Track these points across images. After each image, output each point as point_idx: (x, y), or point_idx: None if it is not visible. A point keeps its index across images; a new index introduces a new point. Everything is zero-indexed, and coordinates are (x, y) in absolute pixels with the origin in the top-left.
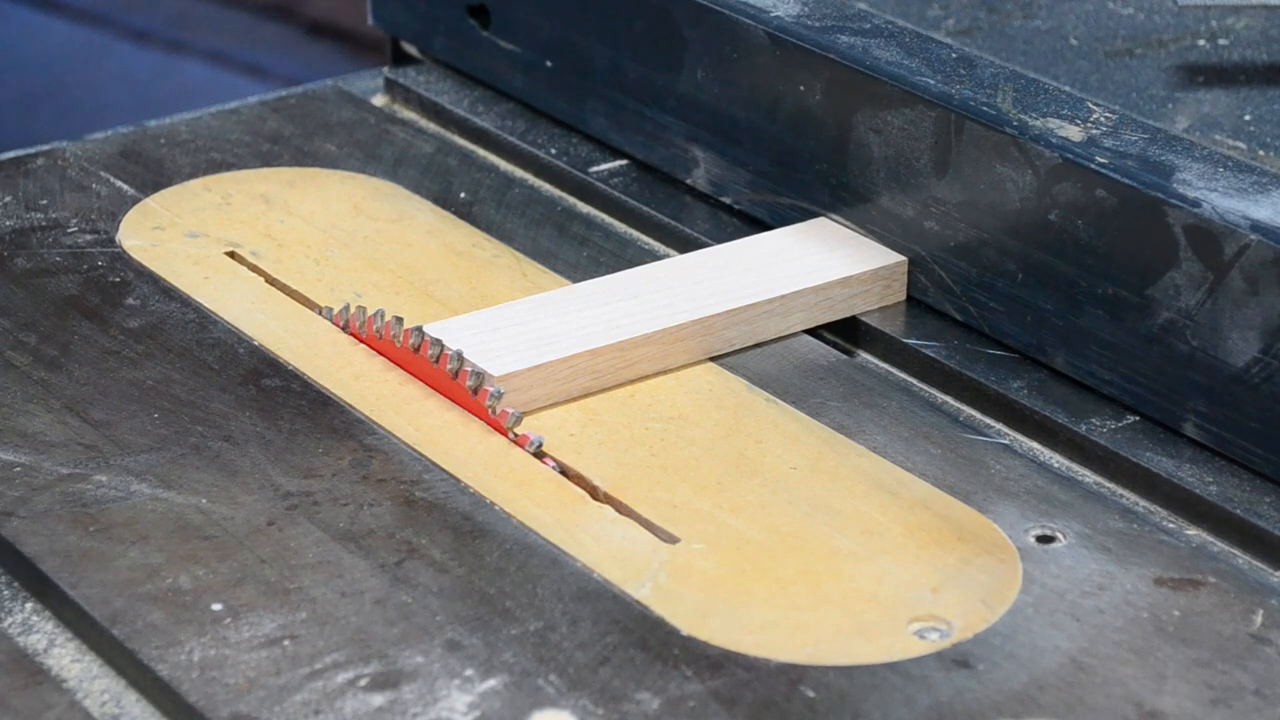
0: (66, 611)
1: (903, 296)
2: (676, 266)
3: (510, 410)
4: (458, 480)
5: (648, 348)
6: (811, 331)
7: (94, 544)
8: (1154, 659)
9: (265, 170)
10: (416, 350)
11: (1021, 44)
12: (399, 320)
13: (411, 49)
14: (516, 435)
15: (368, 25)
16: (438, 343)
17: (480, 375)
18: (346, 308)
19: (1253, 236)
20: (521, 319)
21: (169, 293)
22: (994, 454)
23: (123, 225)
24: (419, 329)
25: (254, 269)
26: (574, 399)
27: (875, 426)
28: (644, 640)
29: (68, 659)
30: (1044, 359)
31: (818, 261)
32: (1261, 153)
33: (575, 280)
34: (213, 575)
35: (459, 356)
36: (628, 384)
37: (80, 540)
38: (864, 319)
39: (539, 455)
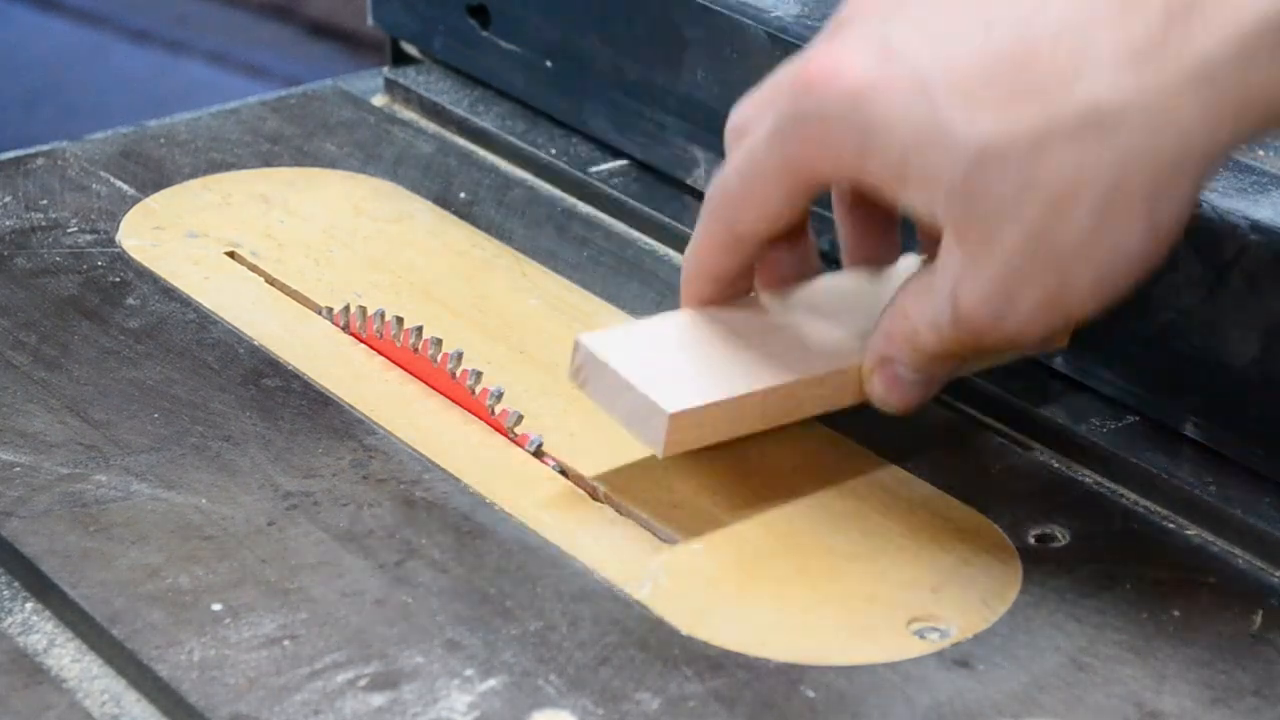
0: (66, 611)
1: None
2: (842, 284)
3: (510, 409)
4: (458, 480)
5: (820, 389)
6: None
7: (94, 544)
8: (1154, 659)
9: (265, 170)
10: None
11: None
12: (399, 320)
13: (411, 49)
14: (516, 435)
15: (368, 25)
16: (438, 342)
17: (479, 375)
18: (346, 308)
19: (1253, 236)
20: (685, 342)
21: (169, 293)
22: (994, 454)
23: (123, 225)
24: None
25: (254, 269)
26: (725, 442)
27: (876, 427)
28: (644, 640)
29: (68, 659)
30: (1044, 359)
31: None
32: (1261, 153)
33: (575, 280)
34: (213, 575)
35: (458, 356)
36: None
37: (80, 540)
38: None
39: (538, 455)
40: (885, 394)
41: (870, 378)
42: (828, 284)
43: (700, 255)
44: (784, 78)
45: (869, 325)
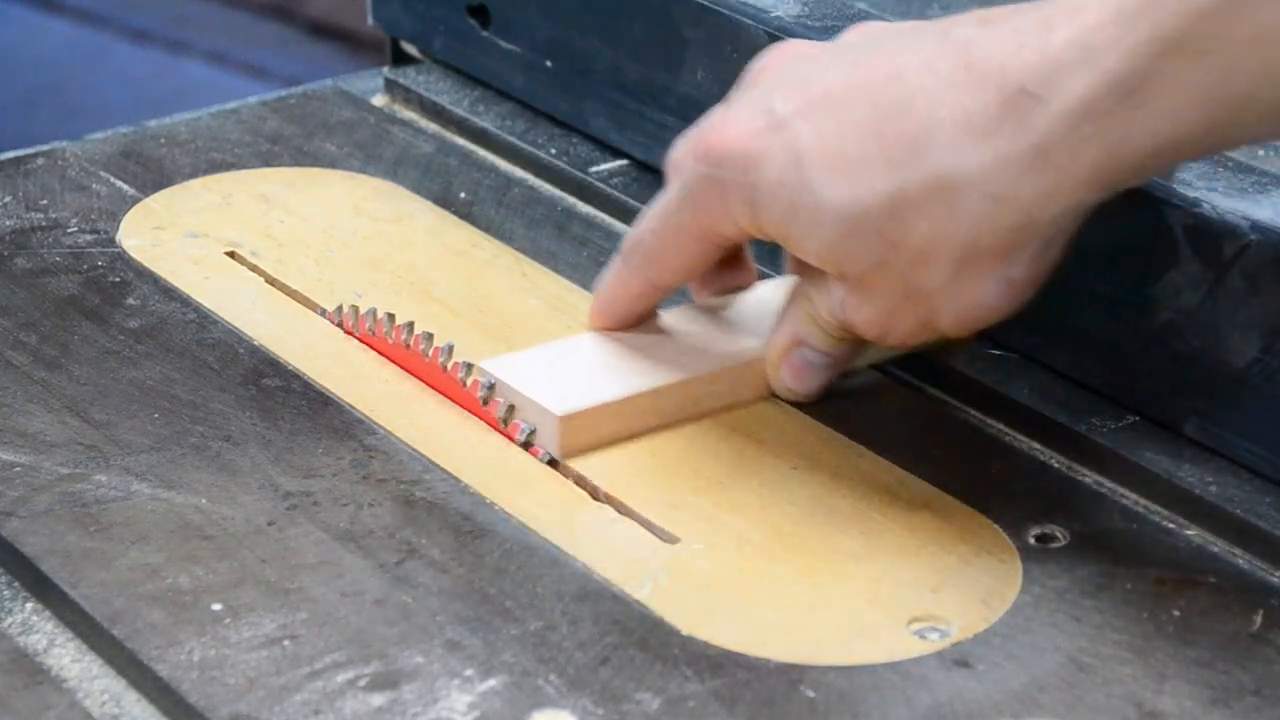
0: (66, 611)
1: None
2: (736, 300)
3: (500, 400)
4: (458, 480)
5: (714, 385)
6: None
7: (94, 544)
8: (1154, 659)
9: (265, 170)
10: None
11: None
12: (390, 317)
13: (411, 49)
14: (507, 426)
15: (368, 25)
16: (431, 338)
17: (470, 367)
18: (343, 308)
19: (1253, 236)
20: (581, 355)
21: (169, 293)
22: (994, 454)
23: (123, 225)
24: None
25: (254, 269)
26: (635, 437)
27: (875, 426)
28: (644, 640)
29: (68, 659)
30: (1044, 359)
31: None
32: (1261, 153)
33: (575, 280)
34: (213, 575)
35: (448, 350)
36: (690, 421)
37: (80, 540)
38: None
39: (527, 446)
40: (792, 381)
41: (778, 368)
42: (717, 302)
43: (614, 299)
44: (695, 136)
45: (755, 331)
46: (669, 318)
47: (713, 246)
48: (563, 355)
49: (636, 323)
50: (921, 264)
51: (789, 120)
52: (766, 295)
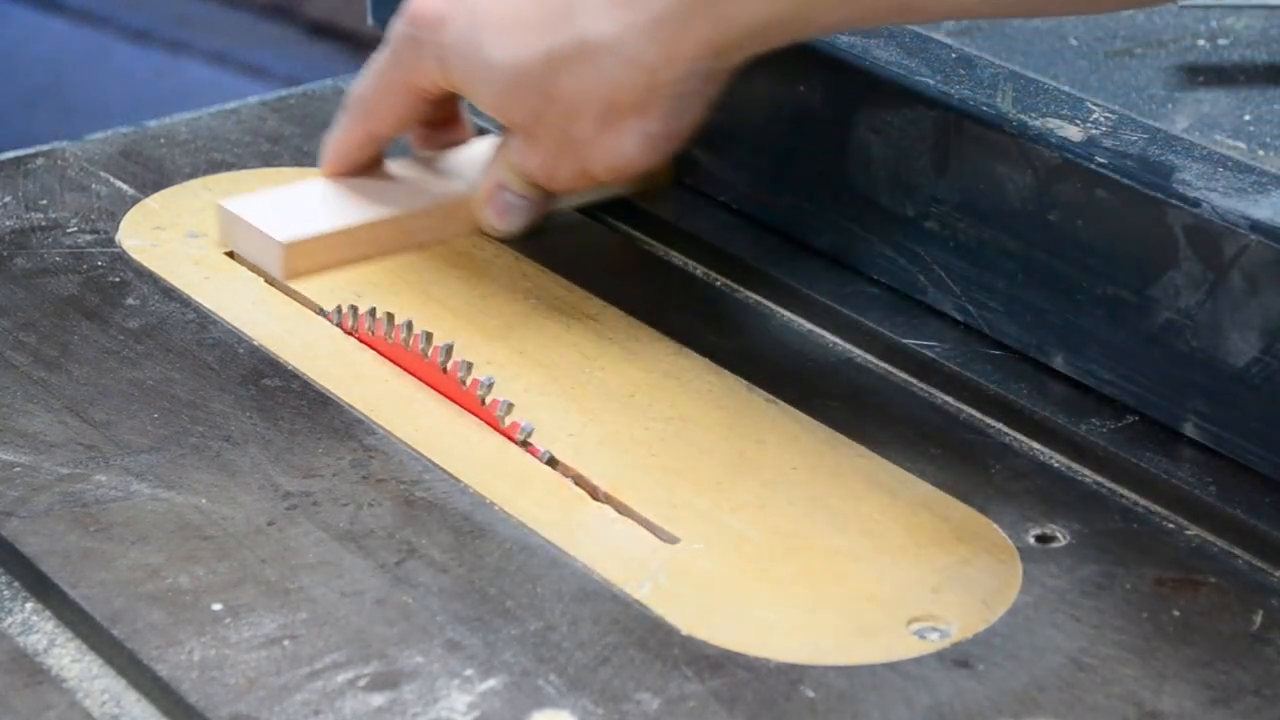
0: (66, 611)
1: (668, 178)
2: (454, 152)
3: (500, 399)
4: (458, 480)
5: (427, 220)
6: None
7: (94, 544)
8: (1154, 659)
9: (265, 170)
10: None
11: (1021, 44)
12: (390, 317)
13: None
14: (506, 425)
15: (368, 25)
16: (428, 337)
17: (469, 366)
18: (342, 308)
19: (1253, 236)
20: (309, 194)
21: (169, 293)
22: (994, 454)
23: (123, 225)
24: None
25: (254, 269)
26: (358, 262)
27: (875, 426)
28: (644, 640)
29: (68, 659)
30: (1044, 359)
31: None
32: (1261, 153)
33: (575, 280)
34: (213, 575)
35: (448, 350)
36: (408, 253)
37: (80, 540)
38: (864, 319)
39: (526, 445)
40: (496, 219)
41: (484, 207)
42: (436, 154)
43: (339, 148)
44: (405, 4)
45: (467, 178)
46: (393, 165)
47: (417, 99)
48: (293, 195)
49: (362, 170)
50: (572, 116)
51: None
52: (479, 149)
